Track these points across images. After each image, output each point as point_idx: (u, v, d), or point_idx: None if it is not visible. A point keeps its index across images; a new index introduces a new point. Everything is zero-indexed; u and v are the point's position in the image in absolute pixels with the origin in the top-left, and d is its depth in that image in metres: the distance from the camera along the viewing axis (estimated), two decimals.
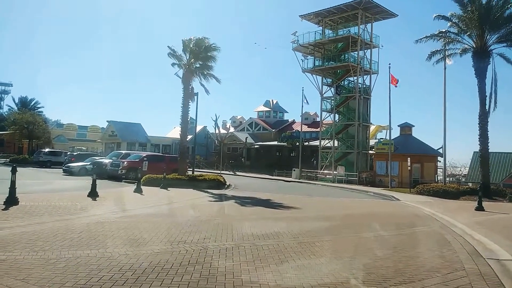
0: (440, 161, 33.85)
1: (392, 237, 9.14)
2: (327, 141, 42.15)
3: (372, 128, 45.20)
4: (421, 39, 25.02)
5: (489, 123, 23.43)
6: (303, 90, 41.88)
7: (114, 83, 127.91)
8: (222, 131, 56.44)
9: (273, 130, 62.45)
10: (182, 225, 9.05)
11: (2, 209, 9.72)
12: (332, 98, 41.52)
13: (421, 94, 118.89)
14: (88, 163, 27.69)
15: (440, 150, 30.69)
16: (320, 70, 41.79)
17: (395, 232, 10.09)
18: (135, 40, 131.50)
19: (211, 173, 30.31)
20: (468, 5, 23.32)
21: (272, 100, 68.67)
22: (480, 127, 23.43)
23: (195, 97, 25.18)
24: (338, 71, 41.34)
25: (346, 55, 40.24)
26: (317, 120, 51.18)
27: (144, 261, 5.76)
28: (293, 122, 63.89)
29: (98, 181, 14.25)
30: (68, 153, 38.50)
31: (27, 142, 49.72)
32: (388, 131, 33.79)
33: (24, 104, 69.65)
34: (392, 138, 32.45)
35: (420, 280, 5.53)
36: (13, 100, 76.61)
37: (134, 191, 16.42)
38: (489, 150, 24.27)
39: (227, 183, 24.16)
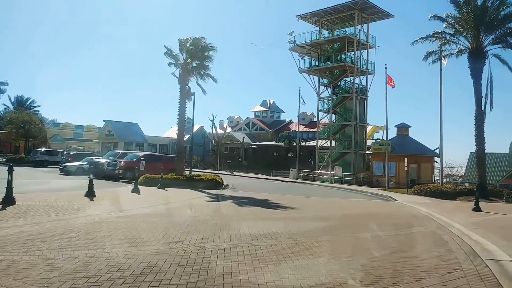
0: (437, 162, 34.00)
1: (389, 238, 9.15)
2: (324, 141, 42.23)
3: (369, 128, 45.34)
4: (416, 40, 25.16)
5: (486, 123, 23.59)
6: (300, 90, 42.33)
7: (111, 83, 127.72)
8: (219, 131, 56.40)
9: (270, 130, 62.48)
10: (179, 225, 9.03)
11: None
12: (329, 99, 41.60)
13: (418, 94, 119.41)
14: (85, 163, 27.61)
15: (437, 151, 30.79)
16: (317, 70, 41.87)
17: (393, 232, 10.10)
18: (132, 40, 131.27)
19: (208, 173, 30.28)
20: (464, 6, 23.41)
21: (269, 100, 68.71)
22: (476, 128, 23.54)
23: (192, 97, 25.14)
24: (335, 71, 41.45)
25: (342, 56, 40.35)
26: (314, 120, 51.25)
27: (142, 261, 5.75)
28: (290, 122, 63.96)
29: (95, 181, 14.20)
30: (65, 152, 38.34)
31: (24, 141, 49.56)
32: (385, 131, 33.92)
33: (20, 103, 69.38)
34: (389, 139, 32.54)
35: (418, 280, 5.54)
36: (9, 99, 76.25)
37: (131, 191, 16.38)
38: (486, 151, 24.37)
39: (225, 183, 24.15)
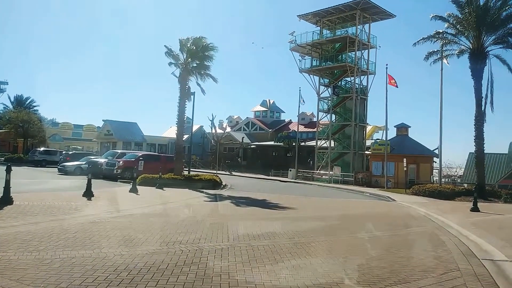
0: (436, 162, 33.98)
1: (387, 238, 9.16)
2: (323, 141, 42.25)
3: (368, 128, 45.35)
4: (418, 41, 25.12)
5: (485, 124, 23.56)
6: (300, 90, 42.26)
7: (111, 83, 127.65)
8: (219, 131, 56.40)
9: (270, 130, 62.47)
10: (177, 225, 9.03)
11: None
12: (329, 99, 41.61)
13: (418, 94, 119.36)
14: (84, 163, 27.55)
15: (436, 151, 30.81)
16: (318, 70, 41.88)
17: (391, 232, 10.12)
18: (131, 40, 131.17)
19: (207, 173, 30.28)
20: (466, 6, 23.39)
21: (269, 100, 68.69)
22: (476, 128, 23.53)
23: (192, 96, 25.13)
24: (335, 71, 41.46)
25: (343, 56, 40.35)
26: (314, 120, 51.27)
27: (139, 262, 5.74)
28: (290, 122, 63.95)
29: (93, 181, 14.18)
30: (63, 152, 38.33)
31: (22, 141, 49.47)
32: (384, 131, 33.97)
33: (20, 102, 69.18)
34: (388, 139, 32.57)
35: (415, 280, 5.55)
36: (9, 98, 76.04)
37: (130, 191, 16.37)
38: (485, 151, 24.36)
39: (223, 183, 24.15)
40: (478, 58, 23.36)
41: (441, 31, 24.67)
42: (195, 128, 45.65)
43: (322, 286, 5.08)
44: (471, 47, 23.79)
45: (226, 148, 58.71)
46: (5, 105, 72.89)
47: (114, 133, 54.49)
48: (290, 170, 40.19)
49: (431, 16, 24.54)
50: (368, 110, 41.24)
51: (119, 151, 33.01)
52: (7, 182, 10.53)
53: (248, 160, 56.68)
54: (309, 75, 42.67)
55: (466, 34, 24.10)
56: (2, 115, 56.75)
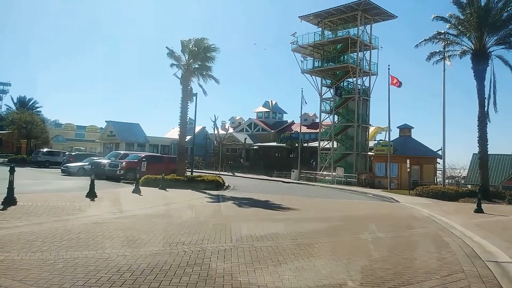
0: (439, 163, 33.92)
1: (390, 239, 9.13)
2: (326, 142, 42.20)
3: (371, 129, 45.24)
4: (420, 42, 25.11)
5: (488, 125, 23.49)
6: (302, 91, 41.89)
7: (113, 83, 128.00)
8: (221, 131, 56.38)
9: (272, 131, 62.45)
10: (180, 226, 9.03)
11: (0, 209, 9.69)
12: (331, 99, 41.58)
13: (421, 95, 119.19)
14: (87, 163, 27.63)
15: (440, 152, 30.74)
16: (320, 71, 41.86)
17: (394, 234, 10.08)
18: (134, 41, 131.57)
19: (209, 174, 30.30)
20: (467, 7, 23.33)
21: (271, 101, 68.68)
22: (479, 129, 23.45)
23: (194, 97, 25.17)
24: (338, 72, 41.41)
25: (345, 56, 40.30)
26: (316, 121, 51.23)
27: (142, 262, 5.74)
28: (292, 123, 63.92)
29: (96, 182, 14.21)
30: (67, 153, 38.41)
31: (25, 142, 49.63)
32: (387, 132, 33.85)
33: (23, 103, 69.51)
34: (391, 140, 32.49)
35: (419, 282, 5.53)
36: (12, 99, 76.80)
37: (133, 192, 16.39)
38: (488, 152, 24.29)
39: (226, 184, 24.15)
40: (480, 59, 23.30)
41: (442, 31, 24.62)
42: (197, 129, 45.69)
43: None
44: (473, 47, 23.73)
45: (229, 149, 58.71)
46: (8, 106, 73.46)
47: (117, 134, 54.57)
48: (293, 171, 40.14)
49: (432, 17, 24.51)
50: (370, 111, 41.22)
51: (122, 152, 33.10)
52: (11, 183, 10.55)
53: (251, 161, 56.66)
54: (311, 76, 42.65)
55: (468, 35, 24.06)
56: (5, 116, 57.01)
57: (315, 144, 45.01)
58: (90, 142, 62.56)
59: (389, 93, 30.64)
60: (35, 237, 7.05)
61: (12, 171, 10.64)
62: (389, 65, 31.09)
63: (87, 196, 13.37)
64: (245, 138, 57.88)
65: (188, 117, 25.06)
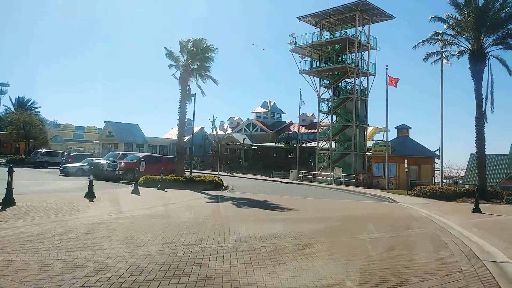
0: (437, 163, 33.96)
1: (389, 239, 9.15)
2: (324, 142, 42.25)
3: (369, 129, 45.33)
4: (418, 44, 25.17)
5: (486, 125, 23.55)
6: (300, 91, 42.05)
7: (112, 84, 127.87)
8: (220, 132, 56.40)
9: (271, 131, 62.50)
10: (179, 227, 9.04)
11: None
12: (330, 100, 41.63)
13: (419, 95, 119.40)
14: (85, 164, 27.62)
15: (437, 152, 30.78)
16: (318, 71, 41.90)
17: (392, 234, 10.10)
18: (132, 41, 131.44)
19: (208, 174, 30.31)
20: (465, 7, 23.39)
21: (269, 102, 68.73)
22: (477, 129, 23.51)
23: (193, 98, 25.18)
24: (336, 72, 41.47)
25: (343, 57, 40.37)
26: (315, 121, 51.30)
27: (141, 263, 5.75)
28: (291, 123, 63.98)
29: (95, 182, 14.19)
30: (65, 153, 38.38)
31: (24, 142, 49.54)
32: (385, 132, 33.89)
33: (21, 104, 69.38)
34: (389, 140, 32.52)
35: (417, 282, 5.54)
36: (10, 100, 76.33)
37: (131, 192, 16.38)
38: (486, 152, 24.33)
39: (225, 185, 24.15)
40: (477, 59, 23.36)
41: (440, 32, 24.67)
42: (196, 129, 45.65)
43: None
44: (471, 48, 23.79)
45: (227, 149, 58.71)
46: (6, 106, 73.20)
47: (115, 135, 54.54)
48: (291, 171, 40.18)
49: (429, 18, 24.55)
50: (368, 111, 41.30)
51: (120, 152, 33.05)
52: (9, 184, 10.54)
53: (249, 161, 56.68)
54: (309, 76, 42.70)
55: (465, 35, 24.11)
56: (3, 117, 56.91)
57: (314, 144, 45.07)
58: (88, 143, 62.50)
59: (387, 93, 30.70)
60: (34, 237, 7.04)
61: (10, 172, 10.63)
62: (387, 66, 31.09)
63: (85, 196, 13.36)
64: (244, 139, 57.90)
65: (186, 118, 25.06)
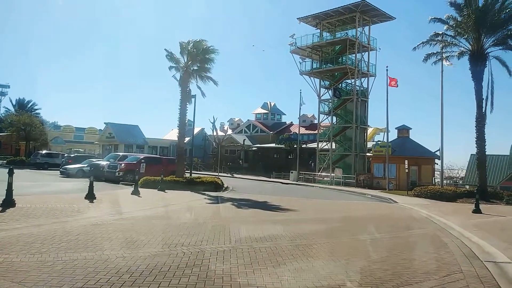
0: (437, 164, 33.99)
1: (389, 240, 9.15)
2: (324, 143, 42.25)
3: (369, 130, 45.32)
4: (418, 45, 25.19)
5: (486, 125, 23.55)
6: (301, 92, 42.07)
7: (112, 85, 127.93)
8: (220, 133, 56.40)
9: (271, 132, 62.50)
10: (179, 228, 9.04)
11: None
12: (330, 101, 41.64)
13: (419, 96, 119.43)
14: (85, 165, 27.63)
15: (438, 153, 30.80)
16: (318, 72, 41.91)
17: (392, 234, 10.10)
18: (132, 42, 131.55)
19: (208, 175, 30.30)
20: (464, 8, 23.41)
21: (270, 103, 68.73)
22: (477, 130, 23.52)
23: (193, 99, 25.23)
24: (336, 73, 41.47)
25: (343, 58, 40.38)
26: (315, 122, 51.31)
27: (141, 264, 5.75)
28: (291, 124, 63.96)
29: (95, 183, 14.19)
30: (65, 155, 38.38)
31: (24, 144, 49.56)
32: (385, 133, 33.92)
33: (21, 105, 69.54)
34: (389, 141, 32.54)
35: (418, 282, 5.54)
36: (11, 101, 76.58)
37: (132, 193, 16.38)
38: (486, 153, 24.33)
39: (225, 185, 24.15)
40: (478, 60, 23.38)
41: (440, 32, 24.68)
42: (196, 130, 45.67)
43: None
44: (471, 49, 23.80)
45: (228, 151, 58.71)
46: (7, 108, 73.38)
47: (115, 136, 54.54)
48: (292, 172, 40.18)
49: (429, 19, 24.58)
50: (369, 112, 41.28)
51: (120, 153, 33.03)
52: (10, 185, 10.55)
53: (250, 162, 56.68)
54: (309, 77, 42.70)
55: (465, 36, 24.12)
56: (4, 118, 56.99)
57: (314, 145, 45.05)
58: (89, 144, 62.51)
59: (387, 94, 30.73)
60: (34, 239, 7.05)
61: (10, 173, 10.64)
62: (387, 66, 31.16)
63: (86, 197, 13.36)
64: (244, 140, 57.90)
65: (187, 119, 25.10)
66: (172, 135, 54.52)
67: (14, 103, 74.58)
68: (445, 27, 24.49)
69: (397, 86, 31.06)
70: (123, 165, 25.12)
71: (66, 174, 27.37)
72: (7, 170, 11.01)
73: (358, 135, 39.11)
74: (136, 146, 55.09)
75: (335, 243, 8.37)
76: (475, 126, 23.63)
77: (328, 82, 42.30)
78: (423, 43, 24.94)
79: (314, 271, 5.87)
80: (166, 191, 18.84)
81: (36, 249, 6.28)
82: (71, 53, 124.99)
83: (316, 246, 7.74)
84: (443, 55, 25.05)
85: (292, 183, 36.42)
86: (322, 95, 42.49)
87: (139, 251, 6.57)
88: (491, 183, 35.28)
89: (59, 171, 29.43)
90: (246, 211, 13.69)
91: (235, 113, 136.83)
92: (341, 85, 41.25)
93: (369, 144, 40.78)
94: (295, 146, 44.85)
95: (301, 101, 41.99)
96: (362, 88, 40.76)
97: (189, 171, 27.47)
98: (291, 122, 65.13)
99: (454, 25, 24.19)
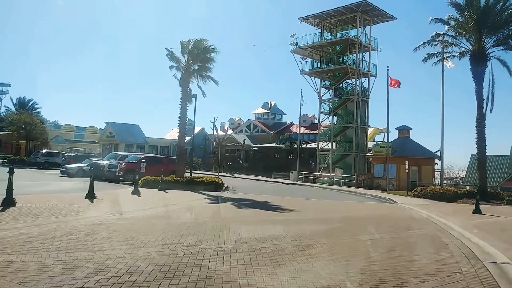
0: (437, 164, 33.96)
1: (389, 240, 9.14)
2: (325, 143, 42.23)
3: (370, 130, 45.31)
4: (419, 46, 25.18)
5: (487, 126, 23.55)
6: (301, 92, 41.98)
7: (112, 84, 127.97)
8: (220, 133, 56.37)
9: (271, 132, 62.49)
10: (179, 227, 9.04)
11: None
12: (330, 101, 41.63)
13: (420, 96, 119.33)
14: (86, 165, 27.62)
15: (438, 153, 30.79)
16: (319, 72, 41.89)
17: (393, 235, 10.10)
18: (133, 41, 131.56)
19: (209, 175, 30.32)
20: (466, 9, 23.39)
21: (270, 102, 68.73)
22: (478, 130, 23.51)
23: (193, 98, 25.22)
24: (337, 73, 41.46)
25: (344, 58, 40.37)
26: (315, 122, 51.28)
27: (141, 264, 5.75)
28: (291, 124, 63.96)
29: (95, 183, 14.19)
30: (66, 154, 38.37)
31: (25, 143, 49.56)
32: (386, 133, 33.92)
33: (22, 104, 69.43)
34: (390, 141, 32.54)
35: (418, 283, 5.54)
36: (11, 100, 76.46)
37: (132, 193, 16.37)
38: (487, 153, 24.33)
39: (225, 185, 24.15)
40: (479, 60, 23.37)
41: (441, 33, 24.68)
42: (196, 130, 45.64)
43: None
44: (472, 49, 23.79)
45: (228, 150, 58.71)
46: (7, 107, 73.36)
47: (116, 135, 54.53)
48: (292, 172, 40.18)
49: (430, 19, 24.60)
50: (369, 112, 41.26)
51: (121, 153, 33.03)
52: (10, 184, 10.55)
53: (250, 162, 56.67)
54: (310, 77, 42.69)
55: (466, 36, 24.12)
56: (4, 117, 56.93)
57: (314, 145, 45.04)
58: (89, 143, 62.51)
59: (388, 94, 30.73)
60: (34, 238, 7.05)
61: (11, 172, 10.64)
62: (388, 67, 31.25)
63: (86, 197, 13.36)
64: (244, 139, 57.91)
65: (187, 118, 25.09)
66: (172, 134, 54.49)
67: (14, 102, 74.51)
68: (446, 27, 24.49)
69: (400, 87, 31.05)
70: (123, 164, 25.12)
71: (66, 174, 27.37)
72: (7, 169, 11.01)
73: (359, 135, 39.10)
74: (136, 145, 55.08)
75: (335, 244, 8.37)
76: (476, 127, 23.63)
77: (329, 82, 42.29)
78: (424, 43, 24.96)
79: (314, 272, 5.87)
80: (166, 190, 18.84)
81: (36, 249, 6.28)
82: (71, 53, 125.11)
83: (316, 247, 7.74)
84: (444, 56, 25.03)
85: (292, 183, 36.42)
86: (322, 95, 42.50)
87: (139, 251, 6.57)
88: (491, 184, 35.28)
89: (59, 170, 29.44)
90: (246, 211, 13.69)
91: (235, 113, 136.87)
92: (342, 85, 41.23)
93: (370, 144, 40.77)
94: (296, 146, 44.84)
95: (302, 101, 42.04)
96: (362, 88, 40.74)
97: (189, 171, 27.47)
98: (292, 122, 65.15)
99: (455, 26, 24.18)
